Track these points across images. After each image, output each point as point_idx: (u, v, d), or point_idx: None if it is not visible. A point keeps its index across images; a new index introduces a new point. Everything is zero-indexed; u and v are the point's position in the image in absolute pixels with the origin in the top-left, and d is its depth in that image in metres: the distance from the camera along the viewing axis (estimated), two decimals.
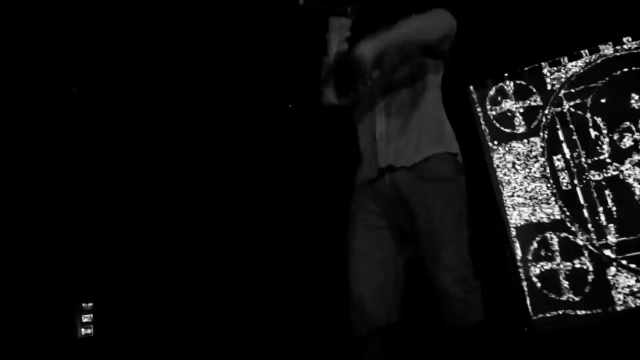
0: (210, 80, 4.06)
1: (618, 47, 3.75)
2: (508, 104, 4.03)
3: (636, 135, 3.59)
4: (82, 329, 4.02)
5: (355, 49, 1.52)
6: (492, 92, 4.09)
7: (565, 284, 3.59)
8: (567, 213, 3.68)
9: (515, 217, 3.81)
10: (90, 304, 4.06)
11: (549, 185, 3.78)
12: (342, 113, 1.79)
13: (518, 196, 3.85)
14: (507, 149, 3.94)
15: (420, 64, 1.66)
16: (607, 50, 3.78)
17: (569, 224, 3.66)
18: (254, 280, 4.09)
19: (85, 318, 4.05)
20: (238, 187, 4.36)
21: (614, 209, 3.57)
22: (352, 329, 1.54)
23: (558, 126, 3.84)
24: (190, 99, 4.16)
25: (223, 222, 4.27)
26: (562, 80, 3.87)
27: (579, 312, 3.50)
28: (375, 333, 1.51)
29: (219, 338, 3.93)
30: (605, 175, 3.63)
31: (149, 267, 4.05)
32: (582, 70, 3.82)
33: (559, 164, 3.78)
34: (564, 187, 3.74)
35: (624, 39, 3.74)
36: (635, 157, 3.57)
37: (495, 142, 3.98)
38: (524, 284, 3.70)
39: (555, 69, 3.91)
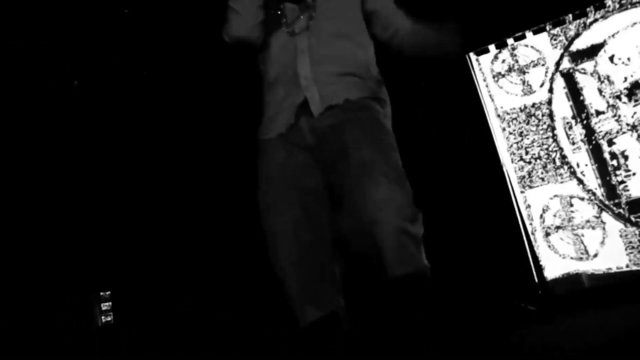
0: (209, 76, 4.03)
1: (623, 1, 3.62)
2: (512, 68, 3.94)
3: None
4: (102, 317, 4.10)
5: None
6: (494, 58, 4.00)
7: (579, 244, 3.56)
8: (578, 174, 3.63)
9: (525, 181, 3.77)
10: (107, 293, 4.13)
11: (558, 147, 3.71)
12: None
13: (526, 161, 3.80)
14: (513, 114, 3.87)
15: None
16: (613, 3, 3.65)
17: (579, 185, 3.61)
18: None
19: (105, 306, 4.12)
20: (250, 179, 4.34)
21: (624, 168, 3.51)
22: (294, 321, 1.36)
23: (567, 86, 3.75)
24: (189, 94, 4.13)
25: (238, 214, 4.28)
26: (568, 39, 3.77)
27: (594, 271, 3.48)
28: (318, 323, 1.31)
29: (237, 328, 3.95)
30: (615, 135, 3.56)
31: (161, 255, 4.09)
32: (587, 28, 3.71)
33: (567, 125, 3.71)
34: (573, 148, 3.67)
35: None
36: None
37: (501, 108, 3.91)
38: (537, 245, 3.68)
39: (559, 29, 3.80)
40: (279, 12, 1.53)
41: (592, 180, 3.58)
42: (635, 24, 3.54)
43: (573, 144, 3.67)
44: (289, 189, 1.39)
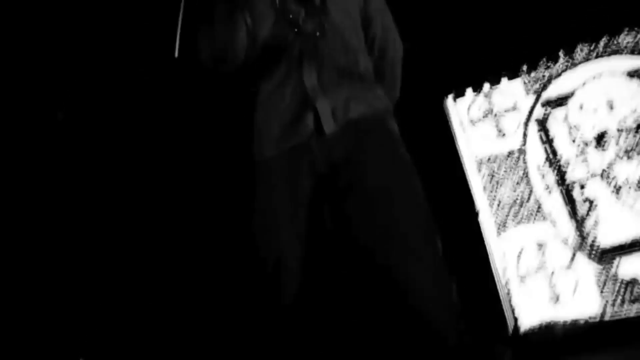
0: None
1: (592, 50, 3.76)
2: (488, 113, 4.01)
3: (616, 143, 3.58)
4: None
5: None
6: (471, 100, 4.08)
7: (553, 290, 3.54)
8: (551, 219, 3.65)
9: (500, 227, 3.77)
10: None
11: (532, 192, 3.75)
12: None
13: (501, 206, 3.81)
14: (488, 159, 3.91)
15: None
16: (582, 53, 3.79)
17: (553, 230, 3.63)
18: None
19: None
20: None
21: (596, 212, 3.55)
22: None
23: (539, 133, 3.82)
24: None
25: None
26: (541, 87, 3.87)
27: (568, 319, 3.45)
28: None
29: None
30: (590, 180, 3.62)
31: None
32: (559, 77, 3.82)
33: (541, 170, 3.76)
34: (546, 192, 3.71)
35: (599, 40, 3.76)
36: (616, 163, 3.56)
37: (476, 152, 3.95)
38: (511, 291, 3.65)
39: (532, 76, 3.91)
40: (283, 10, 1.31)
41: (566, 225, 3.61)
42: (601, 75, 3.67)
43: (547, 188, 3.71)
44: (289, 226, 1.21)
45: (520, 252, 3.69)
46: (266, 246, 1.20)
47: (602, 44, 3.75)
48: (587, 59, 3.76)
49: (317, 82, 1.26)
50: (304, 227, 1.21)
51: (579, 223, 3.58)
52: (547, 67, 3.87)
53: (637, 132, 3.53)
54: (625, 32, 3.69)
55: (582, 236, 3.54)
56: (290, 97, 1.27)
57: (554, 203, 3.68)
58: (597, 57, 3.74)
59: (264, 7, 1.29)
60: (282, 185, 1.23)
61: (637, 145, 3.52)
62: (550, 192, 3.71)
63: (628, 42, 3.67)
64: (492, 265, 3.71)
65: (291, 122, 1.25)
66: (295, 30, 1.28)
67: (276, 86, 1.29)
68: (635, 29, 3.67)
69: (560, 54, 3.85)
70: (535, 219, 3.70)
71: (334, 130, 1.23)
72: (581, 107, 3.71)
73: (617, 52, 3.69)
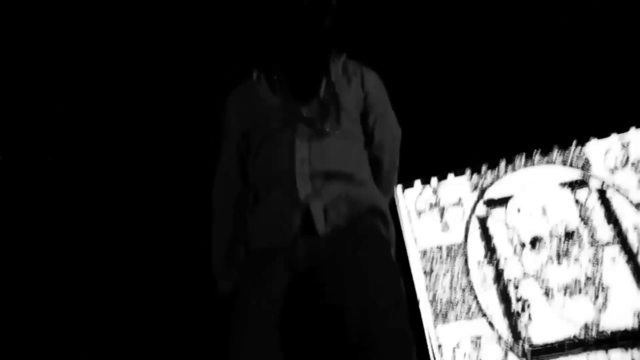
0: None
1: (529, 160, 4.10)
2: (434, 206, 4.20)
3: (549, 247, 3.82)
4: None
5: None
6: (419, 193, 4.27)
7: None
8: (487, 315, 3.75)
9: (438, 319, 3.83)
10: None
11: (470, 287, 3.87)
12: None
13: (440, 299, 3.90)
14: (431, 251, 4.04)
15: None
16: (520, 161, 4.12)
17: (488, 326, 3.72)
18: None
19: None
20: None
21: (531, 313, 3.69)
22: None
23: (480, 230, 4.02)
24: None
25: None
26: (484, 186, 4.13)
27: None
28: None
29: None
30: (523, 280, 3.79)
31: None
32: (500, 179, 4.11)
33: (480, 266, 3.91)
34: (484, 290, 3.84)
35: (534, 152, 4.12)
36: (550, 268, 3.77)
37: (421, 244, 4.09)
38: None
39: (478, 175, 4.18)
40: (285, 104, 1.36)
41: (500, 322, 3.71)
42: (537, 182, 3.99)
43: (484, 285, 3.84)
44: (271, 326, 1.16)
45: (456, 346, 3.73)
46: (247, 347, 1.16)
47: (537, 155, 4.10)
48: (525, 166, 4.09)
49: (310, 189, 1.26)
50: (279, 325, 1.17)
51: (512, 322, 3.70)
52: (491, 169, 4.16)
53: (567, 239, 3.79)
54: (557, 149, 4.07)
55: (515, 335, 3.65)
56: (282, 191, 1.29)
57: (490, 300, 3.80)
58: (534, 165, 4.07)
59: (263, 110, 1.38)
60: (261, 282, 1.21)
61: (566, 251, 3.77)
62: (486, 289, 3.84)
63: (559, 157, 4.05)
64: (430, 356, 3.72)
65: (282, 220, 1.25)
66: (293, 130, 1.32)
67: (270, 176, 1.33)
68: (567, 148, 4.07)
69: (502, 160, 4.17)
70: (472, 314, 3.79)
71: (325, 232, 1.23)
72: (519, 210, 3.97)
73: (551, 162, 4.05)
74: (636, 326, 3.45)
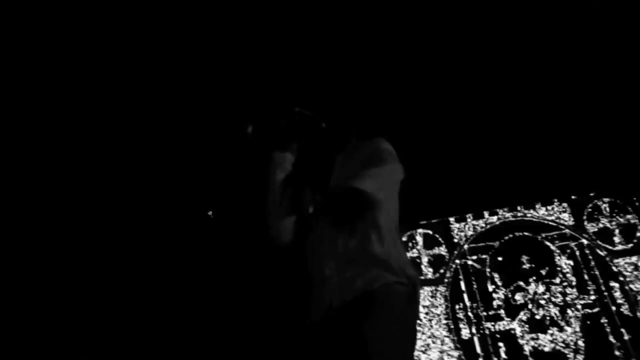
0: None
1: (512, 213, 4.25)
2: (417, 252, 4.29)
3: (525, 294, 3.89)
4: None
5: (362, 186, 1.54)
6: (402, 239, 4.37)
7: None
8: None
9: None
10: None
11: (450, 332, 3.89)
12: None
13: (422, 340, 3.90)
14: None
15: None
16: (504, 214, 4.27)
17: None
18: None
19: None
20: None
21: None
22: None
23: (460, 277, 4.09)
24: None
25: None
26: (467, 235, 4.25)
27: None
28: None
29: None
30: (499, 327, 3.82)
31: None
32: (483, 229, 4.24)
33: (459, 313, 3.95)
34: (463, 336, 3.86)
35: (518, 207, 4.27)
36: (524, 315, 3.82)
37: None
38: None
39: (461, 224, 4.31)
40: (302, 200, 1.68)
41: None
42: (516, 234, 4.12)
43: (464, 330, 3.86)
44: None
45: None
46: None
47: (521, 208, 4.26)
48: (507, 219, 4.23)
49: (334, 268, 1.52)
50: None
51: None
52: (474, 219, 4.29)
53: (546, 289, 3.87)
54: (538, 206, 4.24)
55: None
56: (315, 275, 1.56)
57: (470, 345, 3.81)
58: (515, 218, 4.22)
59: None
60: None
61: (545, 300, 3.83)
62: (467, 338, 3.86)
63: (540, 213, 4.20)
64: None
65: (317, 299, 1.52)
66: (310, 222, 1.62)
67: (309, 266, 1.61)
68: (547, 205, 4.24)
69: (486, 211, 4.32)
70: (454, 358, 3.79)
71: (342, 304, 1.44)
72: (500, 260, 4.07)
73: (533, 217, 4.20)
74: None
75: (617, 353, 3.57)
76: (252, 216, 3.88)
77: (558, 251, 4.01)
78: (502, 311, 3.88)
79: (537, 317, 3.80)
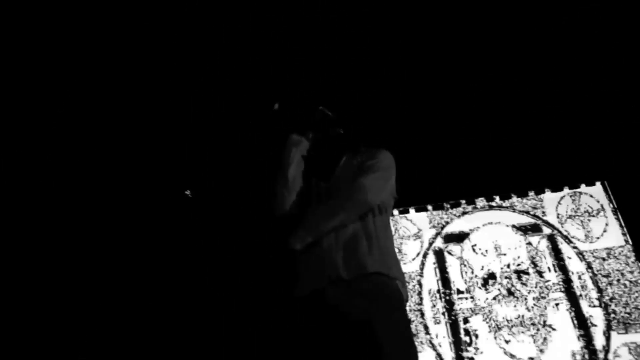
0: None
1: (489, 203, 4.34)
2: (394, 235, 4.37)
3: (499, 285, 3.99)
4: None
5: (363, 185, 1.72)
6: None
7: None
8: (436, 346, 3.84)
9: None
10: None
11: (422, 317, 3.97)
12: None
13: None
14: None
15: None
16: (481, 203, 4.36)
17: (436, 358, 3.80)
18: None
19: None
20: None
21: (474, 346, 3.79)
22: None
23: (435, 263, 4.18)
24: None
25: None
26: (443, 223, 4.33)
27: None
28: None
29: None
30: (473, 314, 3.92)
31: None
32: (460, 217, 4.32)
33: (432, 297, 4.03)
34: (434, 320, 3.95)
35: (495, 197, 4.37)
36: (498, 305, 3.93)
37: None
38: None
39: (438, 212, 4.39)
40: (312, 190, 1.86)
41: (448, 354, 3.80)
42: (491, 223, 4.21)
43: (435, 316, 3.95)
44: None
45: None
46: None
47: (497, 199, 4.35)
48: (483, 209, 4.32)
49: (334, 245, 1.68)
50: None
51: (459, 355, 3.79)
52: (452, 208, 4.38)
53: (517, 279, 3.97)
54: (514, 197, 4.34)
55: None
56: (316, 251, 1.70)
57: (440, 333, 3.90)
58: (491, 208, 4.31)
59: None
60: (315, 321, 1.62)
61: (515, 291, 3.94)
62: (438, 322, 3.95)
63: (516, 204, 4.30)
64: None
65: (316, 270, 1.67)
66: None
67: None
68: (522, 196, 4.34)
69: (463, 200, 4.40)
70: (423, 346, 3.88)
71: (341, 279, 1.61)
72: (474, 248, 4.16)
73: (508, 208, 4.29)
74: None
75: (581, 341, 3.70)
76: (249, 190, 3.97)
77: (530, 241, 4.11)
78: (474, 297, 3.98)
79: (508, 303, 3.90)
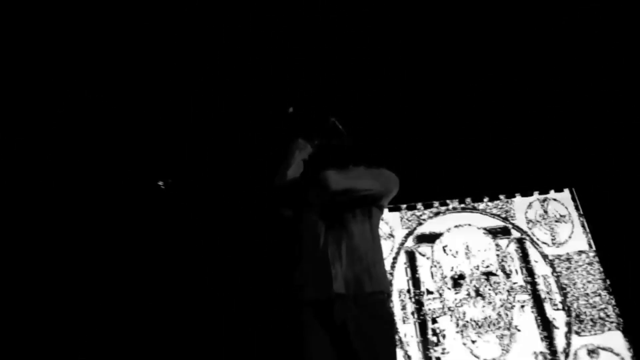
0: None
1: (461, 205, 4.42)
2: None
3: (467, 286, 4.07)
4: None
5: (326, 174, 1.85)
6: None
7: None
8: (404, 345, 3.89)
9: None
10: None
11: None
12: None
13: None
14: None
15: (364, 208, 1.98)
16: (453, 204, 4.43)
17: (404, 357, 3.85)
18: None
19: None
20: None
21: (441, 345, 3.86)
22: None
23: (406, 263, 4.23)
24: None
25: None
26: (415, 223, 4.38)
27: None
28: None
29: None
30: (438, 314, 3.99)
31: None
32: (432, 218, 4.38)
33: (402, 297, 4.08)
34: (403, 319, 4.00)
35: (466, 199, 4.44)
36: (466, 306, 4.00)
37: None
38: None
39: (410, 212, 4.44)
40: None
41: (415, 353, 3.85)
42: (462, 225, 4.28)
43: (404, 315, 4.00)
44: None
45: None
46: None
47: (468, 201, 4.43)
48: (455, 210, 4.39)
49: (337, 256, 1.83)
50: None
51: (427, 354, 3.85)
52: (425, 208, 4.43)
53: (485, 281, 4.06)
54: (485, 201, 4.42)
55: None
56: (316, 260, 1.86)
57: (409, 332, 3.95)
58: (463, 210, 4.38)
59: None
60: (320, 328, 1.79)
61: (483, 292, 4.02)
62: (406, 321, 4.00)
63: (486, 207, 4.39)
64: None
65: (320, 282, 1.81)
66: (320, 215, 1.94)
67: (308, 244, 1.91)
68: (494, 200, 4.43)
69: (435, 202, 4.47)
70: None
71: (346, 294, 1.78)
72: (444, 249, 4.23)
73: (479, 210, 4.38)
74: None
75: (543, 342, 3.81)
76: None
77: (499, 243, 4.20)
78: (443, 298, 4.05)
79: (475, 303, 3.99)
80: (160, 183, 3.70)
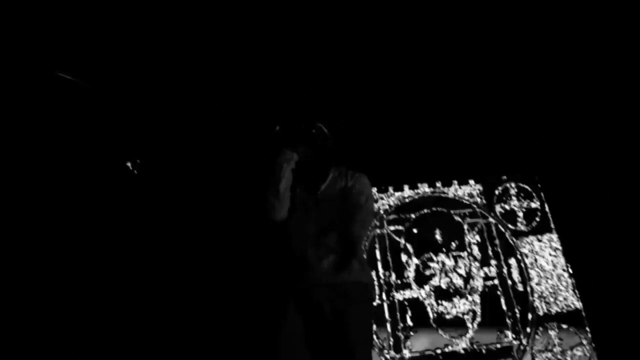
0: None
1: (431, 189, 4.47)
2: None
3: (435, 265, 4.14)
4: None
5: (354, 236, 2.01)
6: None
7: None
8: (374, 327, 3.93)
9: None
10: None
11: None
12: None
13: None
14: None
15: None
16: (424, 188, 4.47)
17: (374, 338, 3.90)
18: None
19: None
20: None
21: (412, 326, 3.93)
22: None
23: (376, 246, 4.25)
24: None
25: None
26: (387, 206, 4.41)
27: None
28: None
29: None
30: (408, 295, 4.05)
31: None
32: (402, 202, 4.42)
33: (374, 280, 4.12)
34: (374, 303, 4.03)
35: (437, 183, 4.50)
36: (432, 284, 4.08)
37: None
38: None
39: (382, 195, 4.46)
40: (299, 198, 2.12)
41: (384, 333, 3.90)
42: (432, 209, 4.35)
43: (375, 297, 4.04)
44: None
45: None
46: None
47: (438, 185, 4.49)
48: (425, 194, 4.44)
49: (315, 252, 2.00)
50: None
51: (396, 336, 3.92)
52: (394, 191, 4.46)
53: (454, 263, 4.14)
54: (455, 184, 4.49)
55: (396, 347, 3.86)
56: (301, 251, 2.03)
57: (379, 311, 4.00)
58: (433, 194, 4.44)
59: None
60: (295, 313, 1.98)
61: (452, 274, 4.11)
62: (378, 303, 4.04)
63: (456, 191, 4.46)
64: None
65: (304, 271, 1.99)
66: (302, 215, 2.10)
67: (294, 243, 2.08)
68: (463, 184, 4.50)
69: (406, 186, 4.50)
70: None
71: (325, 283, 1.94)
72: (414, 232, 4.28)
73: (449, 195, 4.45)
74: (498, 345, 3.85)
75: (507, 321, 3.94)
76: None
77: (468, 227, 4.29)
78: (412, 280, 4.10)
79: (444, 286, 4.07)
80: (129, 164, 3.59)
